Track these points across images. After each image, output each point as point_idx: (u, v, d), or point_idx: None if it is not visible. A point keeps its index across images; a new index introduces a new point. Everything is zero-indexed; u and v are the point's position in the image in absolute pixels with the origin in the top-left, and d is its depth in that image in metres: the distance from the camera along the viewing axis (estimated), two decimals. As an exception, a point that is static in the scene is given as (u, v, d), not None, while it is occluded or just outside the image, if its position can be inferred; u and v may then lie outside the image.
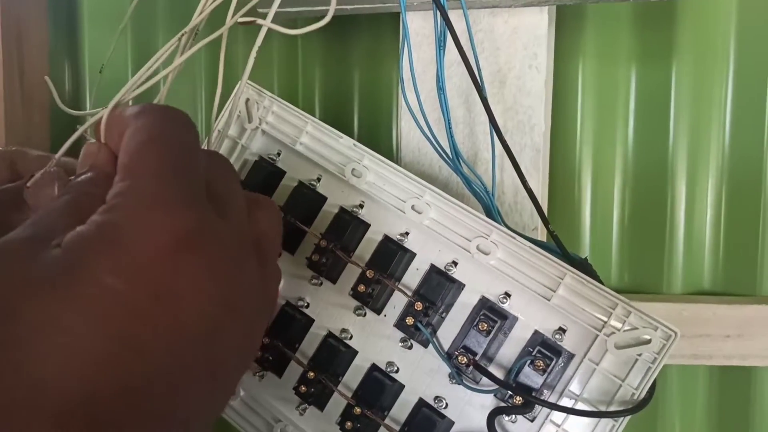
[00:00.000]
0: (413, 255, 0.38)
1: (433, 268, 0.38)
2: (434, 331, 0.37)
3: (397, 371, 0.38)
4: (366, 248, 0.39)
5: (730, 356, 0.52)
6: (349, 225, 0.39)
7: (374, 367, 0.38)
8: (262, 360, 0.40)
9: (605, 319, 0.34)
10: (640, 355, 0.33)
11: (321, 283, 0.40)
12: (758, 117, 0.55)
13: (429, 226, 0.37)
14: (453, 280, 0.37)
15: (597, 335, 0.34)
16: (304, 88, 0.61)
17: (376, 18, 0.57)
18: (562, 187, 0.57)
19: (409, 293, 0.38)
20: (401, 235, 0.38)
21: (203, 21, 0.33)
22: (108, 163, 0.29)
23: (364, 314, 0.39)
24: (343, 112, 0.60)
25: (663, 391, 0.58)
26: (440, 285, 0.37)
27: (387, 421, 0.38)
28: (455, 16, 0.40)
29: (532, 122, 0.47)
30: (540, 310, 0.36)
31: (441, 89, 0.41)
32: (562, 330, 0.35)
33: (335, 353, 0.39)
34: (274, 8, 0.32)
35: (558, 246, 0.38)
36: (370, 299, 0.39)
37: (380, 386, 0.38)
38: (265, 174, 0.42)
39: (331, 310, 0.40)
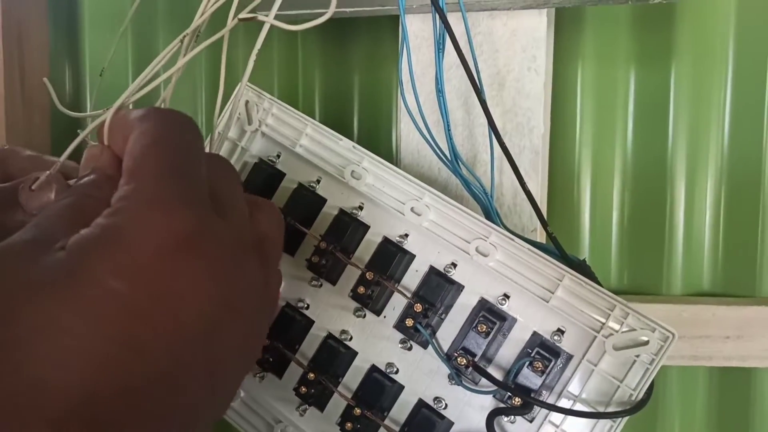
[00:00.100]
0: (412, 257, 0.38)
1: (432, 269, 0.38)
2: (434, 333, 0.37)
3: (396, 372, 0.38)
4: (365, 250, 0.39)
5: (730, 357, 0.52)
6: (349, 227, 0.39)
7: (374, 368, 0.38)
8: (263, 361, 0.40)
9: (603, 320, 0.34)
10: (638, 356, 0.34)
11: (321, 285, 0.40)
12: (757, 118, 0.55)
13: (428, 227, 0.38)
14: (452, 282, 0.37)
15: (595, 336, 0.34)
16: (304, 90, 0.61)
17: (375, 21, 0.58)
18: (561, 189, 0.57)
19: (409, 295, 0.38)
20: (401, 236, 0.38)
21: (205, 22, 0.33)
22: (110, 165, 0.29)
23: (364, 315, 0.39)
24: (343, 114, 0.60)
25: (663, 392, 0.58)
26: (439, 286, 0.37)
27: (387, 421, 0.38)
28: (454, 19, 0.41)
29: (531, 124, 0.47)
30: (539, 311, 0.36)
31: (440, 92, 0.41)
32: (560, 331, 0.35)
33: (335, 354, 0.39)
34: (275, 8, 0.32)
35: (556, 248, 0.38)
36: (369, 301, 0.39)
37: (380, 387, 0.38)
38: (264, 176, 0.42)
39: (330, 311, 0.40)
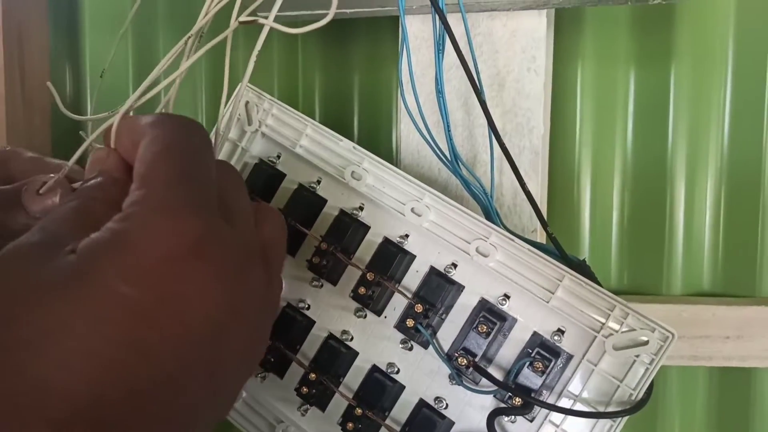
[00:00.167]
0: (413, 257, 0.38)
1: (432, 270, 0.38)
2: (434, 333, 0.37)
3: (397, 372, 0.38)
4: (366, 250, 0.39)
5: (730, 357, 0.52)
6: (350, 227, 0.40)
7: (375, 368, 0.39)
8: (264, 361, 0.40)
9: (603, 320, 0.34)
10: (637, 356, 0.34)
11: (322, 285, 0.40)
12: (757, 118, 0.55)
13: (428, 228, 0.38)
14: (452, 282, 0.37)
15: (595, 336, 0.34)
16: (304, 91, 0.61)
17: (375, 21, 0.58)
18: (561, 189, 0.57)
19: (409, 295, 0.38)
20: (401, 237, 0.39)
21: (208, 23, 0.33)
22: (117, 168, 0.29)
23: (365, 316, 0.39)
24: (343, 114, 0.60)
25: (663, 392, 0.58)
26: (440, 287, 0.38)
27: (388, 421, 0.38)
28: (454, 20, 0.41)
29: (530, 125, 0.47)
30: (539, 311, 0.36)
31: (440, 92, 0.42)
32: (560, 331, 0.36)
33: (336, 354, 0.39)
34: (275, 9, 0.32)
35: (556, 248, 0.38)
36: (370, 301, 0.39)
37: (381, 387, 0.38)
38: (265, 177, 0.42)
39: (331, 311, 0.40)
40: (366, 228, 0.39)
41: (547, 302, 0.35)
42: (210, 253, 0.25)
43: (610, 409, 0.34)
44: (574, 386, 0.35)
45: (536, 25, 0.46)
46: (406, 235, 0.39)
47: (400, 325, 0.38)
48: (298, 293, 0.40)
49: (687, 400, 0.58)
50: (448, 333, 0.37)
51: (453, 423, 0.37)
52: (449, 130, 0.42)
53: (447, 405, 0.37)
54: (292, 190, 0.41)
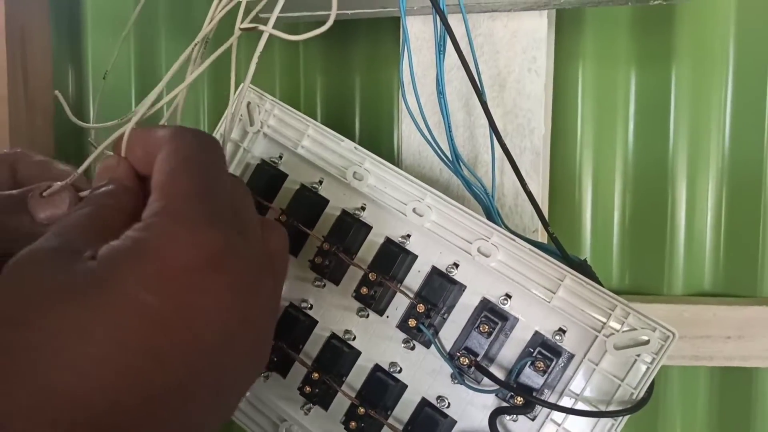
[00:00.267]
0: (415, 257, 0.39)
1: (434, 270, 0.38)
2: (436, 332, 0.38)
3: (399, 371, 0.38)
4: (368, 250, 0.39)
5: (731, 357, 0.52)
6: (351, 227, 0.40)
7: (377, 368, 0.39)
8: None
9: (604, 320, 0.34)
10: (638, 355, 0.34)
11: (324, 285, 0.40)
12: (758, 119, 0.55)
13: (430, 228, 0.38)
14: (454, 282, 0.38)
15: (596, 336, 0.35)
16: (305, 91, 0.61)
17: (376, 22, 0.58)
18: (562, 190, 0.58)
19: (411, 295, 0.38)
20: (403, 237, 0.39)
21: (213, 29, 0.33)
22: (127, 176, 0.30)
23: (367, 316, 0.39)
24: (345, 115, 0.60)
25: (664, 392, 0.58)
26: (442, 287, 0.38)
27: (390, 420, 0.38)
28: (455, 21, 0.41)
29: (531, 125, 0.47)
30: (540, 311, 0.36)
31: (441, 93, 0.42)
32: (562, 331, 0.36)
33: (339, 354, 0.39)
34: (275, 14, 0.32)
35: (558, 248, 0.38)
36: (372, 301, 0.39)
37: (383, 386, 0.38)
38: (267, 177, 0.42)
39: (334, 311, 0.40)
40: (368, 228, 0.40)
41: (549, 302, 0.35)
42: (227, 265, 0.26)
43: (612, 408, 0.34)
44: (576, 385, 0.35)
45: (537, 26, 0.46)
46: (408, 235, 0.39)
47: (402, 325, 0.38)
48: (301, 293, 0.41)
49: (688, 400, 0.58)
50: (450, 332, 0.37)
51: (455, 422, 0.37)
52: (450, 131, 0.42)
53: (449, 404, 0.37)
54: (294, 191, 0.42)
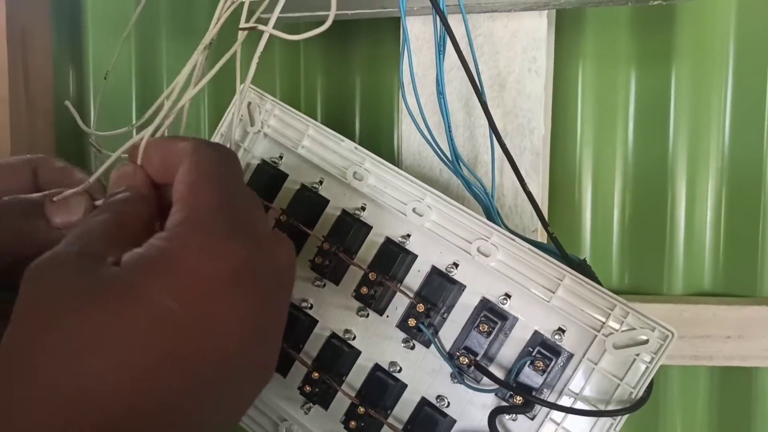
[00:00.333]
0: (415, 257, 0.39)
1: (434, 269, 0.38)
2: (436, 332, 0.38)
3: (399, 371, 0.38)
4: (368, 250, 0.39)
5: (731, 357, 0.52)
6: (352, 227, 0.40)
7: (377, 367, 0.39)
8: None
9: (604, 319, 0.35)
10: (638, 355, 0.34)
11: (324, 285, 0.40)
12: (757, 119, 0.55)
13: (430, 228, 0.38)
14: (454, 282, 0.38)
15: (596, 335, 0.35)
16: (306, 91, 0.61)
17: (376, 23, 0.58)
18: (562, 190, 0.58)
19: (411, 295, 0.38)
20: (403, 237, 0.39)
21: (218, 31, 0.33)
22: (144, 185, 0.31)
23: (367, 315, 0.39)
24: (345, 115, 0.61)
25: (664, 391, 0.58)
26: (441, 286, 0.38)
27: (390, 419, 0.38)
28: (455, 21, 0.41)
29: (531, 125, 0.47)
30: (540, 310, 0.36)
31: (441, 93, 0.42)
32: (561, 330, 0.36)
33: (339, 353, 0.39)
34: (276, 14, 0.32)
35: (557, 248, 0.38)
36: (372, 301, 0.39)
37: (383, 386, 0.38)
38: (267, 177, 0.42)
39: (334, 311, 0.40)
40: (368, 228, 0.40)
41: (548, 301, 0.35)
42: (248, 278, 0.26)
43: (611, 407, 0.34)
44: (575, 385, 0.35)
45: (537, 26, 0.46)
46: (408, 235, 0.39)
47: (402, 325, 0.38)
48: (301, 293, 0.41)
49: (688, 400, 0.58)
50: (449, 332, 0.38)
51: (455, 421, 0.37)
52: (450, 131, 0.42)
53: (449, 403, 0.37)
54: (295, 191, 0.42)
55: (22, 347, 0.23)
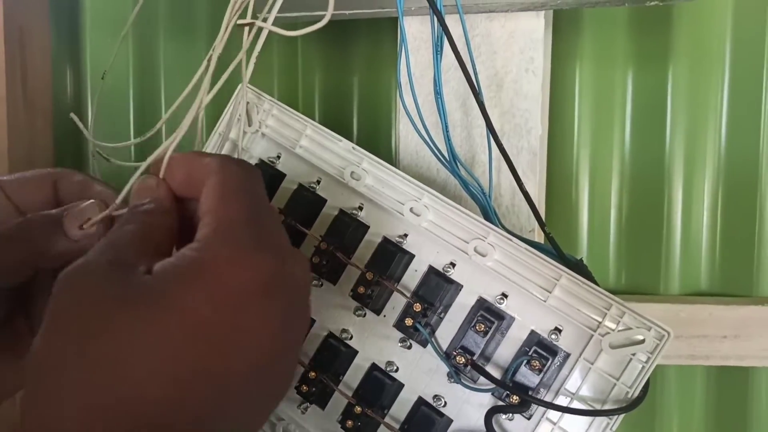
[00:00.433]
0: (412, 256, 0.39)
1: (431, 269, 0.38)
2: (433, 332, 0.38)
3: (396, 371, 0.38)
4: (365, 250, 0.39)
5: (727, 357, 0.52)
6: (349, 227, 0.40)
7: (374, 367, 0.39)
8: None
9: (600, 319, 0.35)
10: (634, 354, 0.34)
11: (321, 285, 0.40)
12: (754, 119, 0.55)
13: (427, 228, 0.38)
14: (451, 282, 0.38)
15: (592, 335, 0.35)
16: (304, 92, 0.61)
17: (374, 23, 0.58)
18: (559, 190, 0.58)
19: (408, 294, 0.38)
20: (400, 237, 0.39)
21: (226, 35, 0.33)
22: (167, 197, 0.31)
23: (364, 315, 0.39)
24: (343, 115, 0.61)
25: (661, 391, 0.58)
26: (438, 286, 0.38)
27: (387, 419, 0.38)
28: (452, 21, 0.41)
29: (528, 125, 0.47)
30: (536, 310, 0.36)
31: (438, 93, 0.42)
32: (557, 330, 0.36)
33: (336, 353, 0.39)
34: (274, 12, 0.32)
35: (554, 247, 0.38)
36: (369, 300, 0.39)
37: (380, 385, 0.38)
38: (265, 177, 0.41)
39: (331, 311, 0.40)
40: (365, 228, 0.40)
41: (545, 301, 0.36)
42: (277, 290, 0.27)
43: (607, 407, 0.34)
44: (571, 384, 0.35)
45: (534, 26, 0.46)
46: (405, 235, 0.39)
47: (399, 324, 0.38)
48: (298, 292, 0.41)
49: (685, 399, 0.58)
50: (446, 332, 0.38)
51: (451, 421, 0.37)
52: (448, 131, 0.42)
53: (445, 403, 0.37)
54: (292, 190, 0.42)
55: (56, 354, 0.24)
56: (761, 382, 0.57)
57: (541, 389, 0.36)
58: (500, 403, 0.36)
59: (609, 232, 0.58)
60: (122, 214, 0.31)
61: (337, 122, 0.61)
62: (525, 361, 0.36)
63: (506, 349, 0.37)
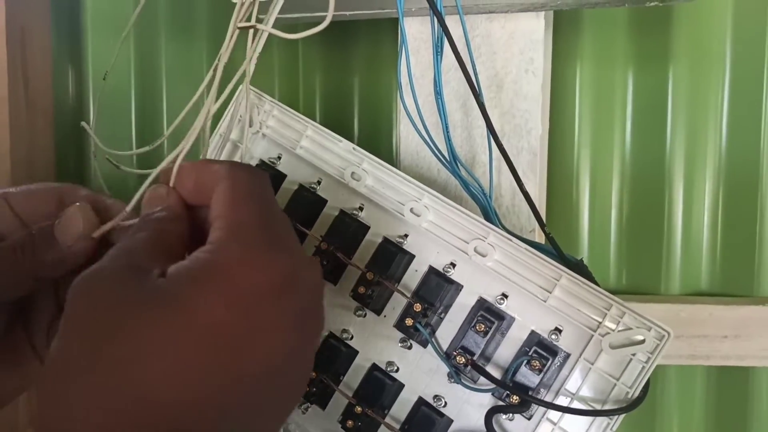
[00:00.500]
0: (412, 257, 0.39)
1: (431, 269, 0.38)
2: (433, 332, 0.38)
3: (397, 371, 0.38)
4: (366, 250, 0.40)
5: (728, 356, 0.52)
6: (350, 227, 0.40)
7: (374, 367, 0.39)
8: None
9: (600, 319, 0.35)
10: (634, 354, 0.34)
11: (321, 285, 0.40)
12: (754, 119, 0.55)
13: (427, 228, 0.38)
14: (451, 282, 0.38)
15: (592, 335, 0.35)
16: (304, 92, 0.62)
17: (375, 23, 0.58)
18: (560, 190, 0.58)
19: (409, 294, 0.38)
20: (400, 237, 0.39)
21: (233, 41, 0.34)
22: (177, 205, 0.31)
23: (365, 315, 0.39)
24: (343, 116, 0.61)
25: (661, 391, 0.58)
26: (439, 286, 0.38)
27: (387, 419, 0.38)
28: (452, 22, 0.41)
29: (528, 126, 0.47)
30: (536, 310, 0.36)
31: (438, 94, 0.42)
32: (558, 330, 0.36)
33: (336, 353, 0.40)
34: (275, 14, 0.32)
35: (554, 248, 0.38)
36: (370, 300, 0.39)
37: (380, 385, 0.39)
38: (266, 178, 0.42)
39: (331, 311, 0.40)
40: (366, 228, 0.40)
41: (545, 301, 0.36)
42: (290, 292, 0.27)
43: (607, 407, 0.35)
44: (571, 384, 0.35)
45: (534, 27, 0.46)
46: (406, 235, 0.39)
47: (400, 324, 0.39)
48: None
49: (685, 399, 0.58)
50: (446, 332, 0.38)
51: (452, 421, 0.37)
52: (448, 131, 0.42)
53: (446, 403, 0.37)
54: (293, 191, 0.42)
55: (74, 357, 0.24)
56: (761, 382, 0.57)
57: (542, 389, 0.36)
58: (500, 403, 0.36)
59: (609, 232, 0.58)
60: (132, 223, 0.32)
61: (337, 123, 0.61)
62: (525, 362, 0.36)
63: (506, 350, 0.37)
